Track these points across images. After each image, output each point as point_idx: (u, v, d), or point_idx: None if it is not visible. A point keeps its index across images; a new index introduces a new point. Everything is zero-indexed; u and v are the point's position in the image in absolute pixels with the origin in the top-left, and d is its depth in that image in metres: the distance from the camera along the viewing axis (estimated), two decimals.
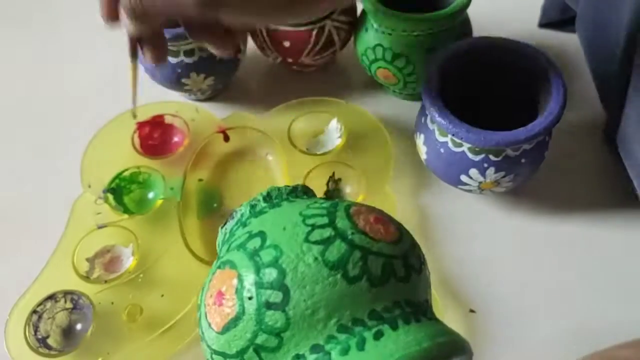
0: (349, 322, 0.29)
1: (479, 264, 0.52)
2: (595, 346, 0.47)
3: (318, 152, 0.57)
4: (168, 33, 0.54)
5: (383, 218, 0.34)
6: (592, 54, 0.57)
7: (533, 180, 0.54)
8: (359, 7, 0.61)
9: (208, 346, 0.31)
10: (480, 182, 0.49)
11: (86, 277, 0.50)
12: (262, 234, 0.32)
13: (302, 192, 0.38)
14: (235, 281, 0.30)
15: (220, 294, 0.30)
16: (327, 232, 0.31)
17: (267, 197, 0.36)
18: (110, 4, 0.40)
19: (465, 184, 0.50)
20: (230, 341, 0.30)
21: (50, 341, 0.47)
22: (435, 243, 0.53)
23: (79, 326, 0.48)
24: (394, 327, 0.29)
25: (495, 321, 0.48)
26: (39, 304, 0.47)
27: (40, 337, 0.46)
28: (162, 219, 0.54)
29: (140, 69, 0.52)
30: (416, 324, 0.30)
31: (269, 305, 0.29)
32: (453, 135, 0.46)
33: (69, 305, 0.48)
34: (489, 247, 0.52)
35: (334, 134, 0.58)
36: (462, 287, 0.50)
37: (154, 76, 0.59)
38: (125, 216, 0.54)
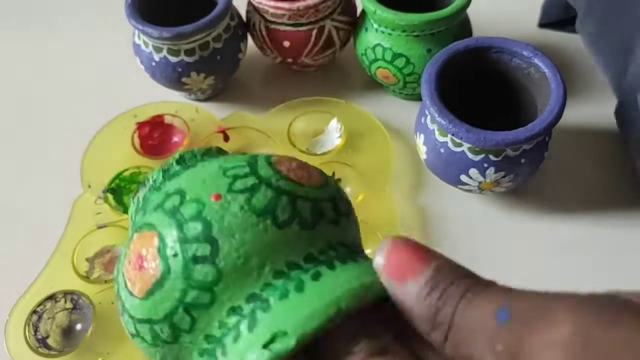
0: (284, 267, 0.28)
1: (479, 264, 0.51)
2: None
3: (318, 152, 0.57)
4: (167, 32, 0.54)
5: (306, 165, 0.33)
6: (602, 48, 0.57)
7: (533, 180, 0.54)
8: (359, 7, 0.61)
9: (130, 317, 0.29)
10: (480, 182, 0.49)
11: (86, 277, 0.50)
12: (180, 192, 0.30)
13: (215, 153, 0.37)
14: (155, 240, 0.28)
15: (140, 257, 0.28)
16: (251, 181, 0.29)
17: (180, 160, 0.34)
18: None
19: (465, 184, 0.50)
20: (157, 305, 0.28)
21: (50, 341, 0.47)
22: (435, 243, 0.53)
23: (79, 326, 0.48)
24: (332, 267, 0.28)
25: None
26: (39, 304, 0.47)
27: (40, 337, 0.46)
28: None
29: None
30: (353, 262, 0.29)
31: (196, 260, 0.27)
32: (453, 135, 0.46)
33: (69, 305, 0.48)
34: (489, 247, 0.52)
35: (334, 133, 0.58)
36: None
37: (154, 75, 0.59)
38: (125, 216, 0.54)
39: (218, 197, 0.28)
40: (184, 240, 0.27)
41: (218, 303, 0.27)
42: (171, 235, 0.28)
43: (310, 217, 0.29)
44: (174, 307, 0.27)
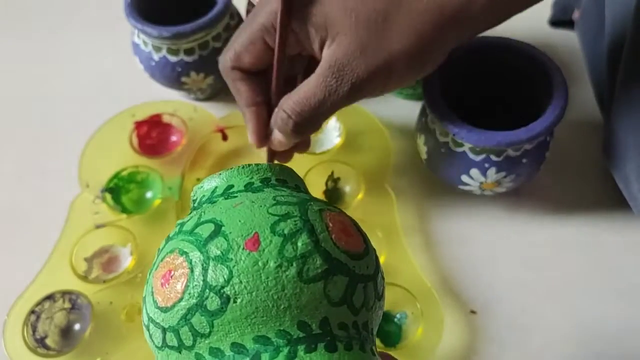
0: (290, 329, 0.28)
1: (479, 264, 0.52)
2: (596, 346, 0.47)
3: (317, 151, 0.57)
4: (167, 31, 0.54)
5: (351, 225, 0.33)
6: (590, 61, 0.57)
7: (534, 180, 0.54)
8: None
9: (149, 318, 0.31)
10: (481, 182, 0.48)
11: (84, 277, 0.49)
12: (219, 229, 0.30)
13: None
14: (185, 271, 0.30)
15: (168, 276, 0.30)
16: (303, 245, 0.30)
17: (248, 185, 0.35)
18: (262, 132, 0.43)
19: (466, 184, 0.50)
20: (170, 318, 0.29)
21: (48, 341, 0.46)
22: (435, 243, 0.53)
23: (77, 326, 0.48)
24: (335, 349, 0.28)
25: (496, 322, 0.48)
26: (37, 304, 0.47)
27: (38, 337, 0.46)
28: (160, 218, 0.53)
29: None
30: (360, 352, 0.29)
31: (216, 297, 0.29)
32: (454, 135, 0.46)
33: (67, 305, 0.48)
34: (490, 247, 0.52)
35: (333, 133, 0.58)
36: (462, 287, 0.50)
37: (154, 75, 0.59)
38: (124, 216, 0.53)
39: (255, 246, 0.29)
40: (209, 288, 0.28)
41: (217, 335, 0.28)
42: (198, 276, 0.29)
43: (345, 294, 0.30)
44: (180, 326, 0.29)
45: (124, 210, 0.54)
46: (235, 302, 0.28)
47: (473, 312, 0.49)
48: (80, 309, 0.48)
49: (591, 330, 0.48)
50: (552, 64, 0.48)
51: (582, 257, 0.52)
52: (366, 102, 0.62)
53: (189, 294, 0.28)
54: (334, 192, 0.55)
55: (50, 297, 0.47)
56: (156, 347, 0.31)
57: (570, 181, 0.56)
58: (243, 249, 0.28)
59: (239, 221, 0.30)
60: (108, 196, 0.54)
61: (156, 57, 0.57)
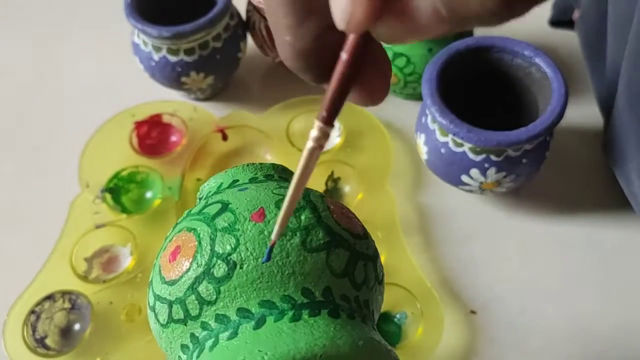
0: (295, 295, 0.29)
1: (479, 264, 0.52)
2: (596, 346, 0.47)
3: None
4: (167, 31, 0.54)
5: (350, 212, 0.35)
6: (590, 61, 0.57)
7: (534, 180, 0.54)
8: None
9: (155, 295, 0.31)
10: (481, 183, 0.48)
11: (84, 277, 0.49)
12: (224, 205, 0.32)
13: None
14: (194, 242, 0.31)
15: (177, 251, 0.31)
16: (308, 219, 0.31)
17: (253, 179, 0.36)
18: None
19: (466, 184, 0.50)
20: (177, 289, 0.30)
21: (48, 341, 0.46)
22: (435, 243, 0.53)
23: (77, 326, 0.48)
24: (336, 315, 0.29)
25: (496, 322, 0.48)
26: (37, 304, 0.47)
27: (38, 337, 0.46)
28: (160, 218, 0.53)
29: None
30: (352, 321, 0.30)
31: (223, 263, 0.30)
32: (454, 135, 0.46)
33: (67, 305, 0.48)
34: (490, 247, 0.52)
35: (333, 133, 0.58)
36: (462, 287, 0.50)
37: (154, 75, 0.59)
38: (124, 216, 0.53)
39: (260, 218, 0.30)
40: (217, 255, 0.29)
41: (223, 301, 0.29)
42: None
43: (347, 267, 0.31)
44: (187, 296, 0.29)
45: (124, 210, 0.54)
46: (241, 267, 0.29)
47: (473, 312, 0.49)
48: (80, 309, 0.48)
49: (591, 330, 0.48)
50: (552, 64, 0.48)
51: (582, 257, 0.52)
52: None
53: (197, 263, 0.29)
54: (334, 192, 0.55)
55: (50, 297, 0.47)
56: (161, 325, 0.31)
57: (570, 181, 0.56)
58: (249, 220, 0.30)
59: (245, 199, 0.31)
60: (108, 196, 0.54)
61: (156, 57, 0.57)
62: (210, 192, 0.36)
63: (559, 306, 0.49)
